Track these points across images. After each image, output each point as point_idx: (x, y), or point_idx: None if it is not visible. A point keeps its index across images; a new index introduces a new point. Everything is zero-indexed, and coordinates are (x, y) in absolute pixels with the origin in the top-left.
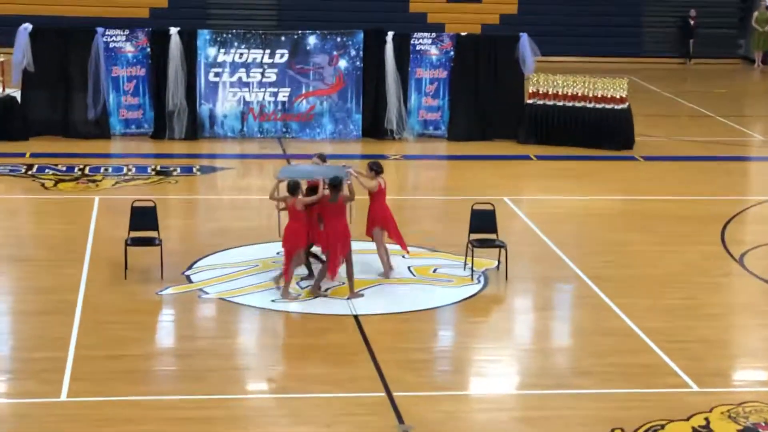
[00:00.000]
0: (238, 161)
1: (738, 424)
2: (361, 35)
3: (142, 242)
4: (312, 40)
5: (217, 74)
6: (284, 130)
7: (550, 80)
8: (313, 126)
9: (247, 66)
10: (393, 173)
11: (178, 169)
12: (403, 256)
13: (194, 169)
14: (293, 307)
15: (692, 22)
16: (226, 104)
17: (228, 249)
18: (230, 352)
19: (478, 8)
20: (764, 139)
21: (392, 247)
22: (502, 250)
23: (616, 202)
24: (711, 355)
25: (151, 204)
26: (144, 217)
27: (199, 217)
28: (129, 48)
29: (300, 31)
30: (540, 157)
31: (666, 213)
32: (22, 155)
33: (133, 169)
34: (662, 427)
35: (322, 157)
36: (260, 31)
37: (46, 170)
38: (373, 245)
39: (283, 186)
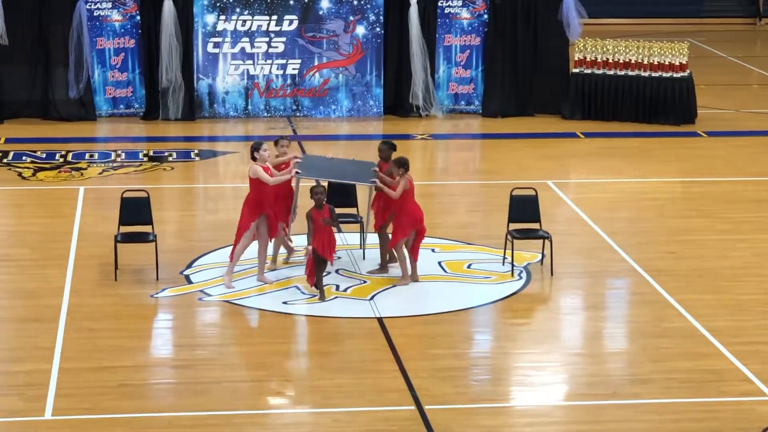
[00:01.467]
0: (242, 144)
1: None
2: None
3: (134, 238)
4: (325, 3)
5: (216, 45)
6: (294, 107)
7: (599, 46)
8: (328, 102)
9: (250, 35)
10: (420, 155)
11: (174, 154)
12: (433, 250)
13: (192, 154)
14: (308, 310)
15: None
16: (227, 79)
17: (232, 245)
18: (236, 361)
19: None
20: None
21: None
22: (547, 242)
23: (676, 185)
24: None
25: (143, 195)
26: (136, 210)
27: (198, 209)
28: (116, 16)
29: None
30: (588, 135)
31: (734, 196)
32: None
33: (123, 155)
34: None
35: (392, 146)
36: None
37: (24, 158)
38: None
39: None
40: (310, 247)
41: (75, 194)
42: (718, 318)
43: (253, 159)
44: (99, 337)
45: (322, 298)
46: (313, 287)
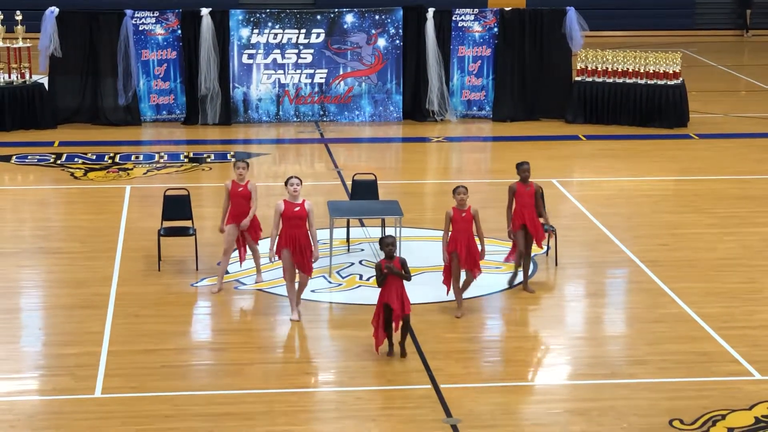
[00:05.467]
0: (274, 146)
1: None
2: (401, 12)
3: (176, 232)
4: (349, 18)
5: (250, 56)
6: (321, 113)
7: (599, 56)
8: (352, 108)
9: (281, 47)
10: (436, 156)
11: (212, 156)
12: None
13: (228, 156)
14: (334, 297)
15: None
16: (260, 87)
17: (265, 238)
18: (268, 344)
19: None
20: None
21: (426, 233)
22: (552, 235)
23: (670, 183)
24: None
25: (184, 192)
26: (177, 207)
27: None
28: (159, 30)
29: (336, 9)
30: (589, 137)
31: (723, 193)
32: (51, 144)
33: (165, 157)
34: (723, 417)
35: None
36: (295, 10)
37: (76, 159)
38: (418, 231)
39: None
40: (381, 303)
41: (122, 192)
42: (708, 305)
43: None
44: (144, 323)
45: (392, 352)
46: (377, 350)
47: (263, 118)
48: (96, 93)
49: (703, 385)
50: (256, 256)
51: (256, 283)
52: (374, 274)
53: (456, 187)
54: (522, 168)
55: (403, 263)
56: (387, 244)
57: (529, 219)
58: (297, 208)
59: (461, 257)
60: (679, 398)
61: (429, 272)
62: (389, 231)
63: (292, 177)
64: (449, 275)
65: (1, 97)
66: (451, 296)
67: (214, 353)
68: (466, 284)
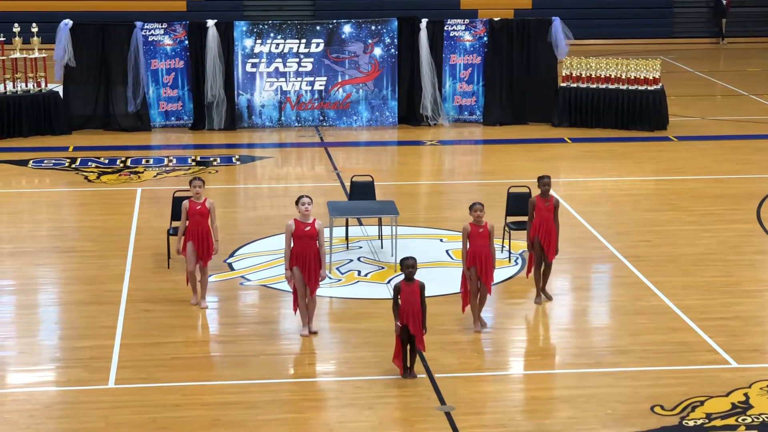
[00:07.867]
0: (276, 150)
1: None
2: (395, 23)
3: None
4: (347, 29)
5: (254, 65)
6: (321, 118)
7: (583, 63)
8: (350, 114)
9: (283, 56)
10: (429, 158)
11: (218, 159)
12: (441, 240)
13: (233, 159)
14: (334, 292)
15: (725, 2)
16: (263, 94)
17: (268, 236)
18: (272, 337)
19: None
20: None
21: (426, 230)
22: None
23: (650, 183)
24: (748, 332)
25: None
26: None
27: (239, 206)
28: (167, 41)
29: (335, 21)
30: (574, 140)
31: (701, 192)
32: (66, 149)
33: (174, 160)
34: (701, 403)
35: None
36: (296, 22)
37: (89, 163)
38: (413, 230)
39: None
40: (399, 324)
41: (133, 194)
42: (687, 297)
43: None
44: (154, 317)
45: (409, 374)
46: (402, 375)
47: (266, 124)
48: (108, 100)
49: (682, 374)
50: (204, 280)
51: (201, 306)
52: (372, 269)
53: (473, 204)
54: (542, 182)
55: (421, 287)
56: (408, 266)
57: (544, 232)
58: (308, 228)
59: (480, 273)
60: (660, 386)
61: (422, 268)
62: (386, 230)
63: (303, 196)
64: (467, 294)
65: (19, 104)
66: (439, 291)
67: (220, 345)
68: (482, 300)
